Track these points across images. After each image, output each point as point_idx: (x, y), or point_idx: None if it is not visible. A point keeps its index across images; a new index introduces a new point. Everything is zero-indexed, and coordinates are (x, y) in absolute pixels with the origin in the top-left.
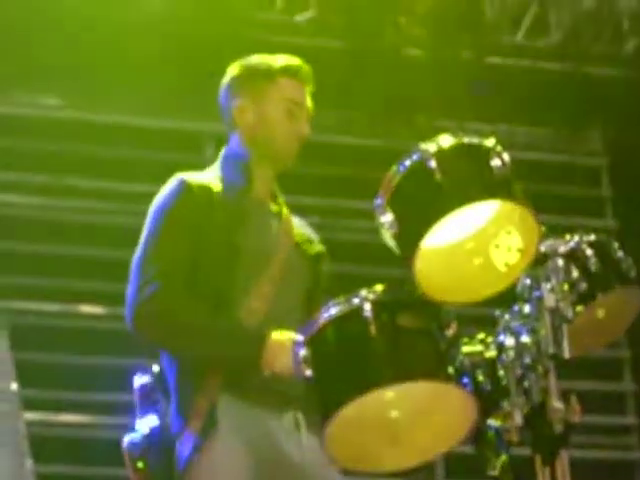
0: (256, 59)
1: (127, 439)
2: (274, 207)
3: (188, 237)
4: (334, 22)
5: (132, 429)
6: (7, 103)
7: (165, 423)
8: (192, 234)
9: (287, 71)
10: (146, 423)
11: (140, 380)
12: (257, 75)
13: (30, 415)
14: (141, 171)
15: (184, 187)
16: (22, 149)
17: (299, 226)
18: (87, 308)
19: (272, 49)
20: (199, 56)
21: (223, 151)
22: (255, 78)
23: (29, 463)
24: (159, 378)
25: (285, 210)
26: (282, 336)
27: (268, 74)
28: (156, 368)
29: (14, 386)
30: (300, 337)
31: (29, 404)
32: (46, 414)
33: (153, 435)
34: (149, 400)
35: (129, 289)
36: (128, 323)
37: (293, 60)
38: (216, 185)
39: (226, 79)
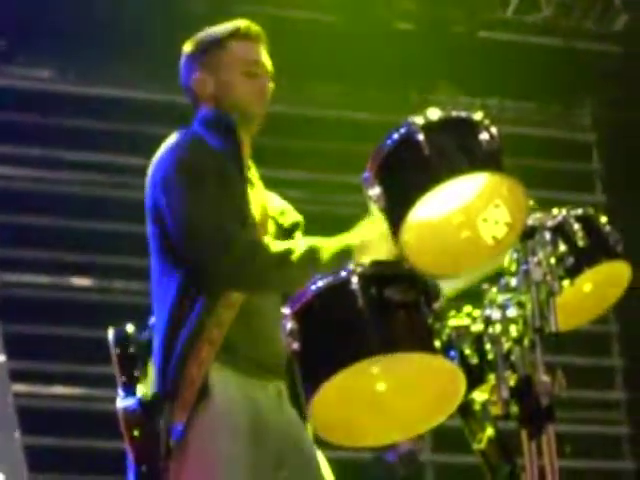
0: (205, 31)
1: (122, 404)
2: (251, 175)
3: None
4: None
5: (126, 393)
6: (1, 76)
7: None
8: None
9: (236, 34)
10: (139, 388)
11: (118, 341)
12: (208, 46)
13: (19, 387)
14: (136, 144)
15: (199, 139)
16: (17, 121)
17: (270, 197)
18: (78, 280)
19: (262, 23)
20: (187, 30)
21: (201, 118)
22: (207, 49)
23: (17, 435)
24: (138, 342)
25: (259, 179)
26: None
27: (218, 42)
28: (131, 329)
29: (2, 358)
30: (287, 310)
31: (18, 376)
32: (35, 386)
33: (150, 401)
34: (130, 364)
35: (199, 249)
36: (219, 279)
37: (241, 22)
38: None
39: (182, 58)
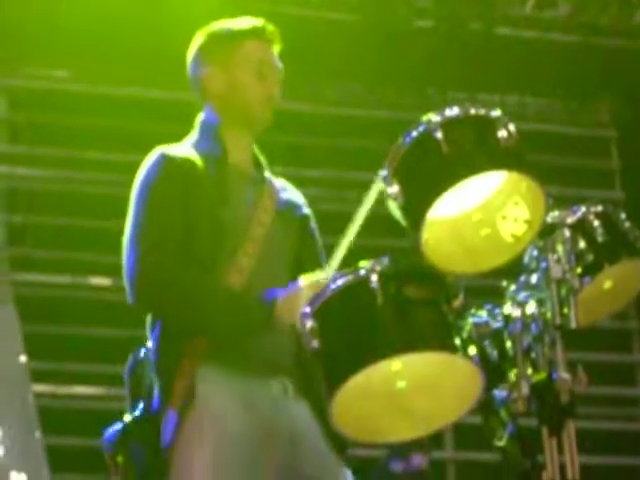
0: (220, 25)
1: (105, 437)
2: (256, 174)
3: (177, 207)
4: None
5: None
6: (18, 76)
7: (150, 404)
8: (180, 204)
9: (252, 33)
10: (130, 413)
11: (130, 367)
12: (223, 41)
13: (39, 387)
14: (152, 143)
15: (165, 160)
16: (35, 122)
17: (283, 190)
18: (96, 280)
19: (282, 21)
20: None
21: (197, 121)
22: (221, 44)
23: (38, 435)
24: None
25: (267, 176)
26: (291, 290)
27: (233, 38)
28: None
29: (23, 358)
30: (307, 309)
31: (38, 376)
32: (55, 386)
33: (133, 423)
34: (138, 383)
35: (126, 264)
36: (130, 296)
37: (257, 21)
38: (194, 156)
39: (192, 49)
